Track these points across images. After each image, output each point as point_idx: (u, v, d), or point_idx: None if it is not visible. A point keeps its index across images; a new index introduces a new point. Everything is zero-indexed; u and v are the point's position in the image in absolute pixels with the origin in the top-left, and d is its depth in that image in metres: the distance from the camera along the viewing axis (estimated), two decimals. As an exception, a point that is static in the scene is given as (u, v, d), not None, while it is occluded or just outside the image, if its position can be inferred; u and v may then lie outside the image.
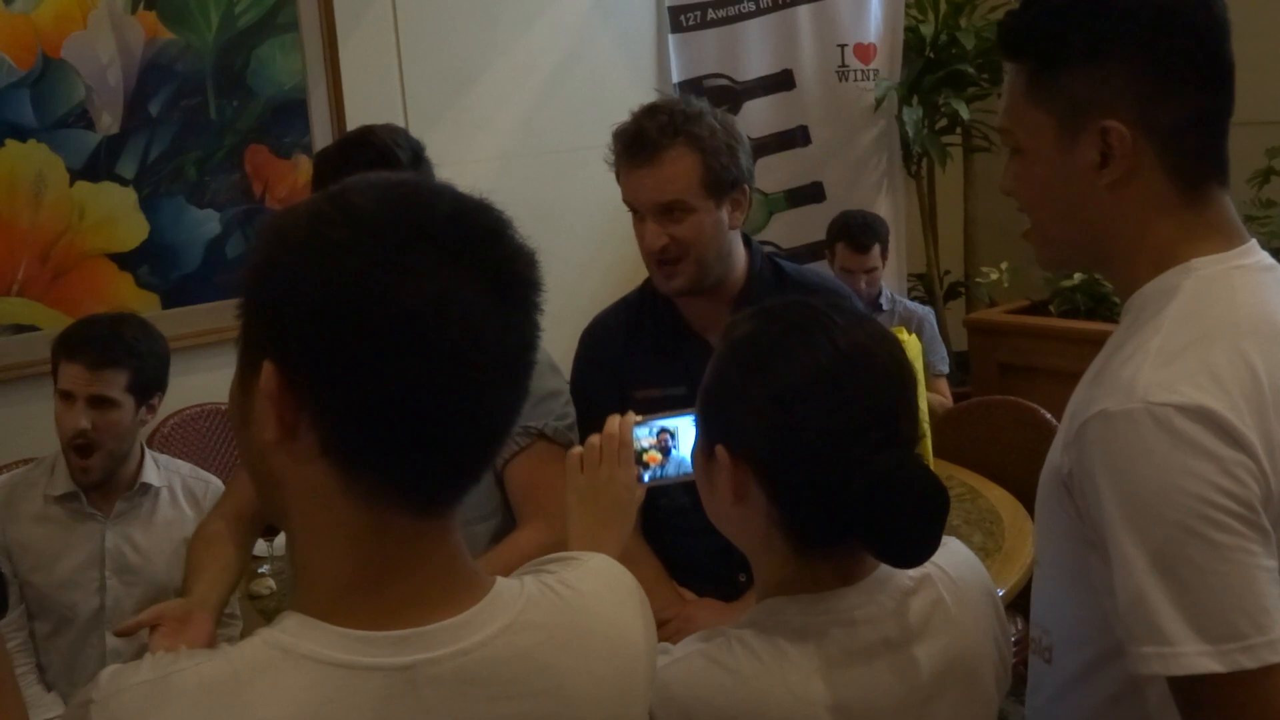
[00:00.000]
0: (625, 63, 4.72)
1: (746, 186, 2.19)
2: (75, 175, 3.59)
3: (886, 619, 1.28)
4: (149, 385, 2.61)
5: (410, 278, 0.90)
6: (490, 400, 0.95)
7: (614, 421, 1.55)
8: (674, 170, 2.13)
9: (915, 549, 1.22)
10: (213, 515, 2.27)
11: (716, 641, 1.29)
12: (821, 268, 4.10)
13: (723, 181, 2.14)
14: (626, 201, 2.20)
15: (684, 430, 1.57)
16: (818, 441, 1.21)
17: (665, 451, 1.57)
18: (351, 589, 0.95)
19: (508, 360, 0.95)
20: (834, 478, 1.20)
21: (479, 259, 0.93)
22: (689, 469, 1.50)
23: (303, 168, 3.91)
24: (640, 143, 2.15)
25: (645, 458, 1.57)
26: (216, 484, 2.79)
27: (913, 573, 1.31)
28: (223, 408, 3.69)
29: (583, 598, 1.05)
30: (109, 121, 3.64)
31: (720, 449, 1.27)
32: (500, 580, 1.01)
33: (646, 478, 1.57)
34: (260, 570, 2.98)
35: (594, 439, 1.54)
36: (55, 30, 3.54)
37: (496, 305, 0.93)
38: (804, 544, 1.27)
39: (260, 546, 2.95)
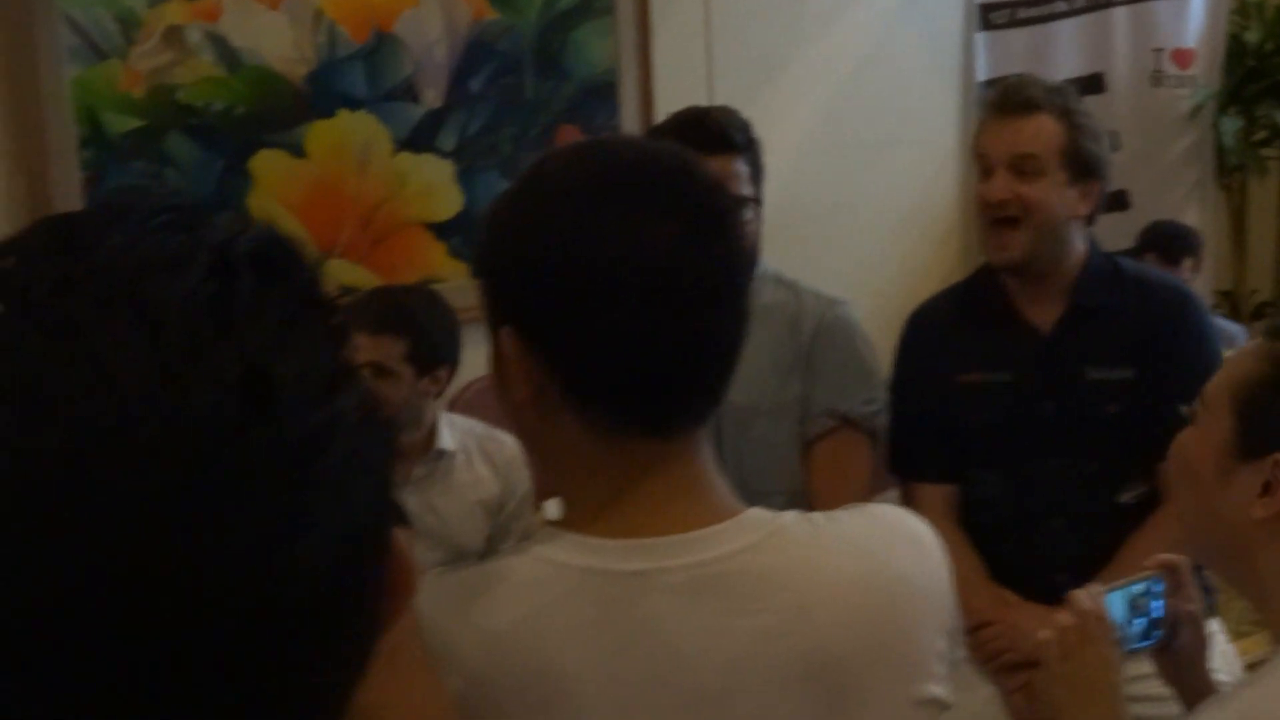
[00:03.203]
0: (930, 59, 4.66)
1: (1100, 185, 2.15)
2: (399, 146, 3.74)
3: None
4: (430, 356, 2.59)
5: (604, 228, 1.00)
6: (701, 325, 1.02)
7: (1084, 598, 1.46)
8: (1041, 128, 2.14)
9: None
10: None
11: None
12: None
13: (1082, 162, 2.13)
14: (981, 155, 2.21)
15: (1159, 589, 1.49)
16: None
17: (1144, 615, 1.48)
18: (598, 507, 1.02)
19: (711, 286, 1.02)
20: None
21: (667, 199, 1.02)
22: (1159, 629, 1.46)
23: (610, 149, 3.98)
24: (1017, 95, 2.19)
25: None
26: (511, 443, 2.76)
27: None
28: (526, 377, 3.80)
29: (840, 528, 1.07)
30: (433, 96, 3.78)
31: None
32: (756, 509, 1.06)
33: (1131, 647, 1.48)
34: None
35: (1065, 618, 1.45)
36: (389, 6, 3.70)
37: (691, 237, 1.01)
38: None
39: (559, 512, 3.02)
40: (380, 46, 3.70)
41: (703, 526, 1.01)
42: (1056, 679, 1.42)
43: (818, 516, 1.08)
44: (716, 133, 2.22)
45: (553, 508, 3.06)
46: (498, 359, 1.05)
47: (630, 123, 3.98)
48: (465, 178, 3.84)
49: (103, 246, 0.53)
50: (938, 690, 1.06)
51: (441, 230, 3.83)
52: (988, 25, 4.72)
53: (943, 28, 4.69)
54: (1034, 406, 2.20)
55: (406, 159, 3.76)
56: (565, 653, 0.98)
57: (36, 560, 0.48)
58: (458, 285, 3.71)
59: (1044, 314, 2.21)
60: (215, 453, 0.49)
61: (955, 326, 2.28)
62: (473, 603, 1.00)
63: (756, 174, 2.23)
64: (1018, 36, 4.74)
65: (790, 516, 1.06)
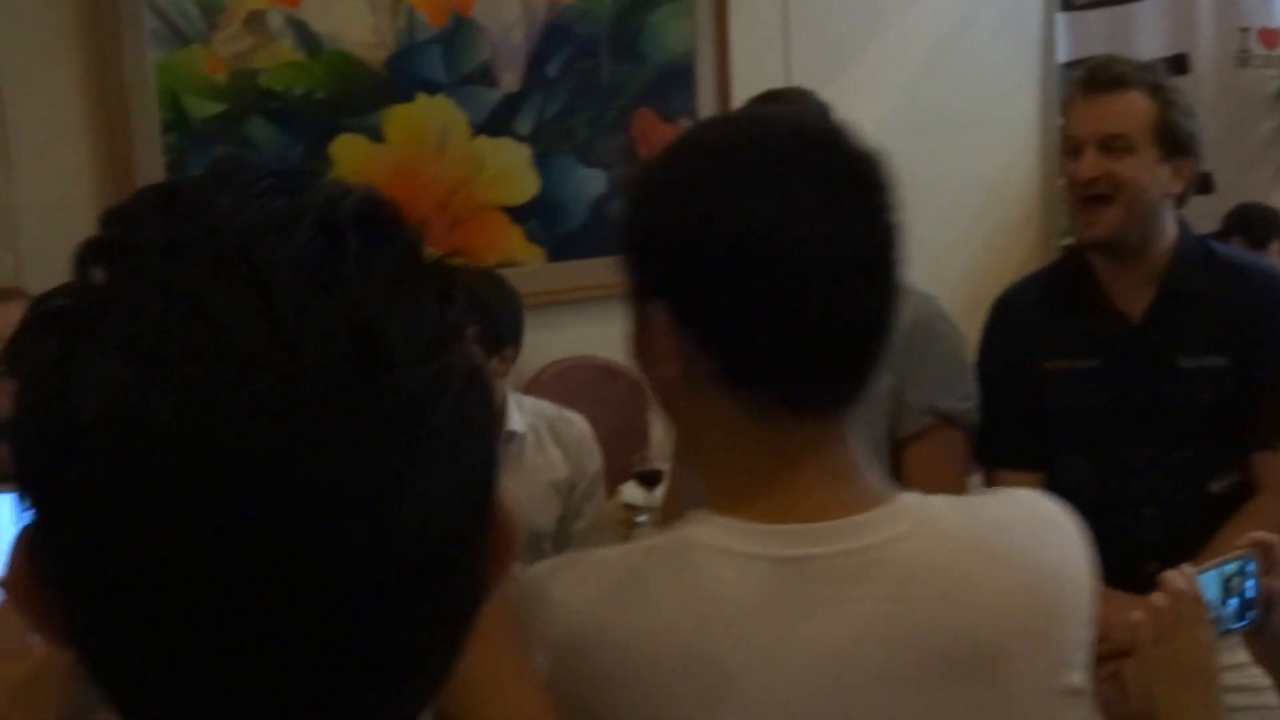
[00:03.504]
0: (1010, 40, 4.59)
1: (1192, 163, 2.11)
2: (476, 130, 3.75)
3: None
4: (497, 338, 2.60)
5: (756, 200, 0.98)
6: (854, 298, 1.00)
7: (1178, 579, 1.43)
8: (1129, 105, 2.11)
9: None
10: None
11: None
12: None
13: (1173, 139, 2.09)
14: (1069, 136, 2.18)
15: (1251, 569, 1.45)
16: None
17: (1237, 595, 1.45)
18: (749, 492, 1.01)
19: (863, 261, 1.00)
20: None
21: (819, 170, 0.99)
22: (1253, 609, 1.43)
23: (686, 133, 3.97)
24: (1106, 73, 2.16)
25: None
26: (581, 423, 2.80)
27: None
28: (600, 360, 3.80)
29: (990, 514, 1.07)
30: (510, 80, 3.78)
31: None
32: (906, 494, 1.04)
33: (1225, 628, 1.45)
34: (639, 520, 3.05)
35: (1159, 600, 1.42)
36: (467, -9, 3.72)
37: (843, 209, 0.99)
38: None
39: (637, 495, 3.03)
40: (458, 31, 3.71)
41: (857, 512, 1.00)
42: (1151, 662, 1.39)
43: (965, 503, 1.07)
44: None
45: (629, 491, 3.06)
46: (641, 335, 1.03)
47: (707, 106, 3.96)
48: (542, 161, 3.84)
49: (210, 210, 0.54)
50: (1079, 679, 1.05)
51: (518, 214, 3.83)
52: (1068, 6, 4.65)
53: (1023, 8, 4.62)
54: (1123, 394, 2.16)
55: (484, 143, 3.77)
56: (722, 639, 0.97)
57: (152, 518, 0.48)
58: (534, 269, 3.74)
59: (1134, 300, 2.17)
60: (327, 409, 0.49)
61: (1042, 312, 2.25)
62: (626, 586, 0.99)
63: None
64: (1099, 17, 4.66)
65: (940, 502, 1.05)
